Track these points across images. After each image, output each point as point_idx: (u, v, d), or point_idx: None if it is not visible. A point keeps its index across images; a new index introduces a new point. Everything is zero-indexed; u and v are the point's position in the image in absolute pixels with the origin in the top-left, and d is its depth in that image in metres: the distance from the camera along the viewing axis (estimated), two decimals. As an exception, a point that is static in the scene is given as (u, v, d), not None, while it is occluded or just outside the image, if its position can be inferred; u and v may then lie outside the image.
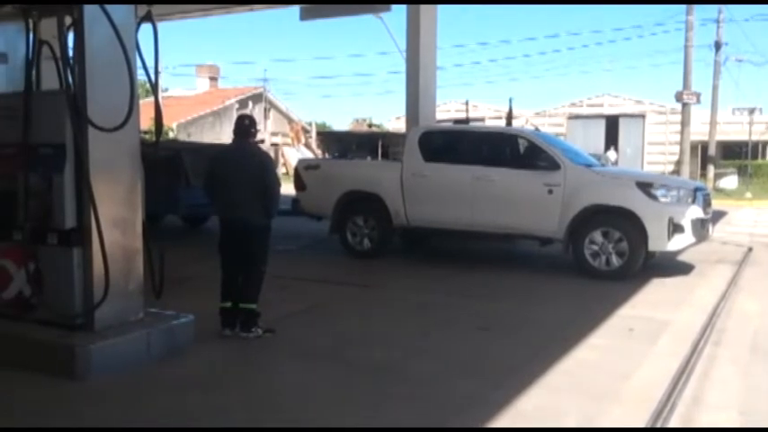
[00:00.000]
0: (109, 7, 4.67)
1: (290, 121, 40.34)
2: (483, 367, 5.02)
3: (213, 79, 43.21)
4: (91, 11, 4.67)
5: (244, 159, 5.67)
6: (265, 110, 39.78)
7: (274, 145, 33.84)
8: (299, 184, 10.16)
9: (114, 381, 4.52)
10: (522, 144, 9.19)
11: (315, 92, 61.69)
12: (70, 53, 4.94)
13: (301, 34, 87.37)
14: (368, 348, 5.43)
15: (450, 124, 11.86)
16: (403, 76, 12.02)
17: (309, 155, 29.41)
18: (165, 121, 11.70)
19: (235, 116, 34.48)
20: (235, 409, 4.17)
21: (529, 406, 4.25)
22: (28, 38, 5.03)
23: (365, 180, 9.73)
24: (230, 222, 5.68)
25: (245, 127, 5.79)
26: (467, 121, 11.54)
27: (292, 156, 29.79)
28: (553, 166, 8.54)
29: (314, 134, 36.64)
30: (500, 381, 4.69)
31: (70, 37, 5.01)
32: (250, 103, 39.90)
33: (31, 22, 5.02)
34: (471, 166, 8.95)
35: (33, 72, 5.13)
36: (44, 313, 4.90)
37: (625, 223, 8.17)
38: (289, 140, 35.37)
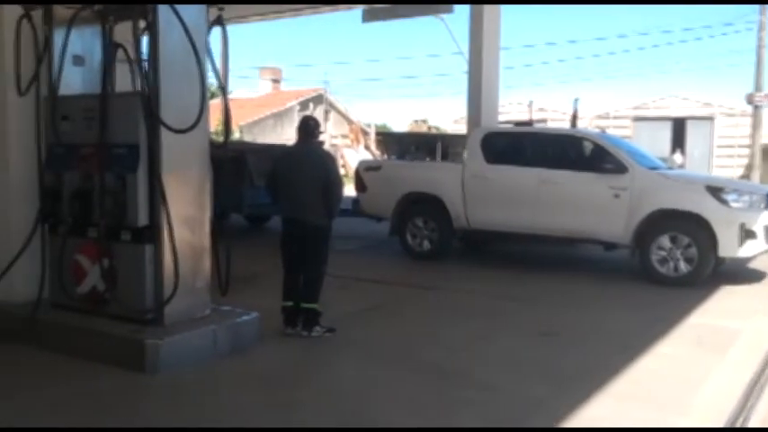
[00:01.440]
0: (181, 11, 4.79)
1: (350, 122, 40.62)
2: (548, 373, 4.94)
3: (276, 81, 43.88)
4: (165, 15, 4.81)
5: (307, 160, 5.73)
6: (325, 111, 40.17)
7: (334, 146, 34.13)
8: (360, 185, 10.21)
9: (183, 375, 4.64)
10: (588, 146, 9.00)
11: (375, 93, 61.98)
12: (144, 56, 5.11)
13: (360, 36, 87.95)
14: (431, 351, 5.42)
15: (511, 126, 11.69)
16: (463, 78, 11.95)
17: (368, 156, 29.54)
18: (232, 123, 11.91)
19: (296, 118, 34.70)
20: (300, 407, 4.22)
21: (596, 414, 4.17)
22: (104, 41, 5.21)
23: (426, 182, 9.70)
24: (293, 222, 5.75)
25: (310, 128, 5.86)
26: (530, 122, 11.36)
27: (351, 157, 29.99)
28: (620, 169, 8.34)
29: (373, 135, 36.80)
30: (566, 387, 4.61)
31: (143, 40, 5.18)
32: (311, 105, 40.35)
33: (107, 26, 5.20)
34: (535, 168, 8.82)
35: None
36: (116, 308, 5.06)
37: (694, 228, 7.92)
38: (348, 142, 35.62)
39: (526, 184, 8.81)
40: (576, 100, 11.73)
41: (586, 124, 25.28)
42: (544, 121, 31.91)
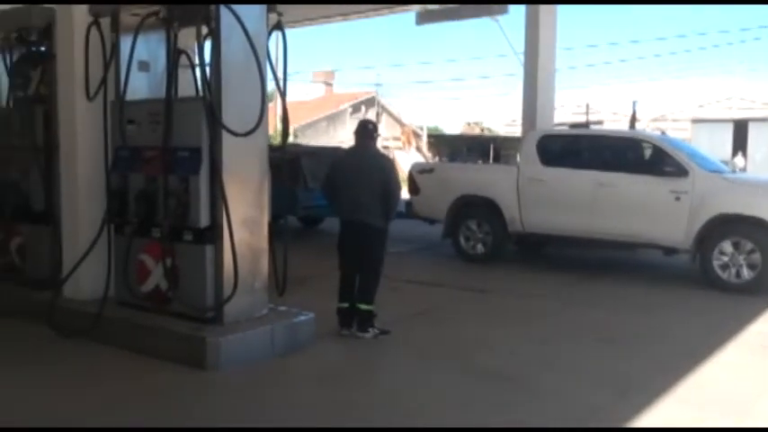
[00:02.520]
0: (243, 17, 4.89)
1: (402, 125, 40.70)
2: (607, 379, 4.86)
3: (328, 84, 44.30)
4: (227, 20, 4.92)
5: (366, 162, 5.78)
6: (377, 114, 40.34)
7: (386, 148, 34.23)
8: (413, 187, 10.23)
9: (242, 373, 4.74)
10: (648, 149, 8.81)
11: (426, 96, 61.91)
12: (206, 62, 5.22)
13: (412, 39, 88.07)
14: (485, 354, 5.39)
15: (567, 128, 11.54)
16: (516, 79, 11.85)
17: (420, 158, 29.54)
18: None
19: (348, 120, 34.94)
20: (357, 407, 4.26)
21: (658, 420, 4.09)
22: (169, 47, 5.35)
23: (480, 184, 9.65)
24: (350, 224, 5.80)
25: (369, 131, 5.90)
26: (586, 124, 11.18)
27: (403, 159, 30.05)
28: (680, 172, 8.15)
29: (425, 138, 36.78)
30: (626, 393, 4.53)
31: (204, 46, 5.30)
32: (363, 108, 40.59)
33: (171, 32, 5.34)
34: (592, 171, 8.67)
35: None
36: (178, 306, 5.20)
37: (758, 233, 7.66)
38: (400, 144, 35.69)
39: (583, 186, 8.68)
40: (635, 102, 11.49)
41: (643, 126, 24.71)
42: (600, 122, 31.35)
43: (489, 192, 9.42)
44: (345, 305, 5.78)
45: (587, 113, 16.53)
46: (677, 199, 8.07)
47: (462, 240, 9.64)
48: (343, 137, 33.86)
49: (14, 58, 6.49)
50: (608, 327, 6.29)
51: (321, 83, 44.08)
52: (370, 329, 5.72)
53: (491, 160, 21.37)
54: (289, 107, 5.91)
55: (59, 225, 6.08)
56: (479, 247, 9.54)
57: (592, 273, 9.14)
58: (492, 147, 29.41)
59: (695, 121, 33.05)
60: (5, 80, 6.58)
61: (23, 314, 5.99)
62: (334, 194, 5.94)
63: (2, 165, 6.56)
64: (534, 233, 9.26)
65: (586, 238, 8.82)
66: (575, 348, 5.64)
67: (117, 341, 5.29)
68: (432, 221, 10.35)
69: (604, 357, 5.40)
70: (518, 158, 9.83)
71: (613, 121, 30.43)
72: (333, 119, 40.24)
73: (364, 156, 5.86)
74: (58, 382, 4.60)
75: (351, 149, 6.14)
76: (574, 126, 10.85)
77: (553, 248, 10.46)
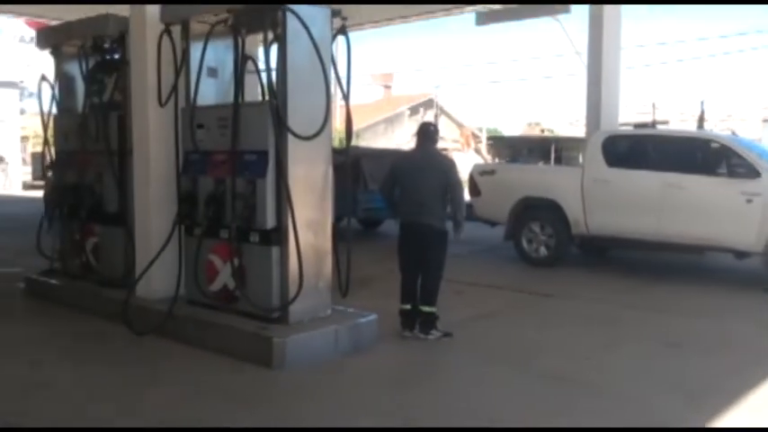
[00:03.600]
0: (308, 22, 4.98)
1: (460, 126, 40.52)
2: (677, 385, 4.74)
3: (387, 87, 44.48)
4: (293, 26, 5.01)
5: (427, 164, 5.80)
6: (436, 116, 40.26)
7: (444, 150, 34.12)
8: (474, 189, 10.16)
9: (307, 373, 4.81)
10: (717, 149, 8.52)
11: (485, 97, 61.34)
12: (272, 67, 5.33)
13: (470, 41, 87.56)
14: (550, 358, 5.33)
15: (632, 128, 11.29)
16: (577, 79, 11.67)
17: (480, 160, 29.35)
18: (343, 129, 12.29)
19: (406, 122, 35.04)
20: (422, 409, 4.26)
21: (730, 426, 3.96)
22: (236, 53, 5.49)
23: (542, 186, 9.53)
24: (412, 226, 5.80)
25: (430, 133, 5.92)
26: (652, 124, 10.91)
27: (462, 161, 29.91)
28: (752, 173, 7.86)
29: (484, 139, 36.52)
30: (696, 399, 4.42)
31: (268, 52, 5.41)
32: (421, 110, 40.59)
33: (239, 38, 5.48)
34: (660, 172, 8.45)
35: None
36: (245, 305, 5.31)
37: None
38: (459, 146, 35.54)
39: (650, 188, 8.47)
40: (703, 102, 11.14)
41: (711, 126, 23.92)
42: (666, 122, 30.51)
43: (552, 193, 9.29)
44: (407, 307, 5.81)
45: (654, 113, 16.12)
46: (749, 201, 7.79)
47: (525, 243, 9.53)
48: (402, 139, 33.96)
49: (90, 65, 6.77)
50: (675, 331, 6.13)
51: (380, 85, 44.28)
52: (433, 331, 5.73)
53: (552, 161, 21.09)
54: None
55: (132, 226, 6.32)
56: (542, 250, 9.42)
57: (657, 276, 8.91)
58: (553, 148, 29.03)
59: (766, 120, 31.77)
60: (82, 87, 6.85)
61: (98, 312, 6.25)
62: (394, 196, 5.94)
63: (79, 168, 6.84)
64: (599, 236, 9.08)
65: (653, 241, 8.59)
66: (641, 353, 5.52)
67: (186, 338, 5.45)
68: (493, 224, 10.27)
69: (671, 362, 5.26)
70: (581, 159, 9.67)
71: (681, 121, 29.57)
72: (391, 121, 40.37)
73: (425, 158, 5.87)
74: (133, 377, 4.78)
75: (412, 151, 6.16)
76: (639, 126, 10.60)
77: (619, 251, 10.23)
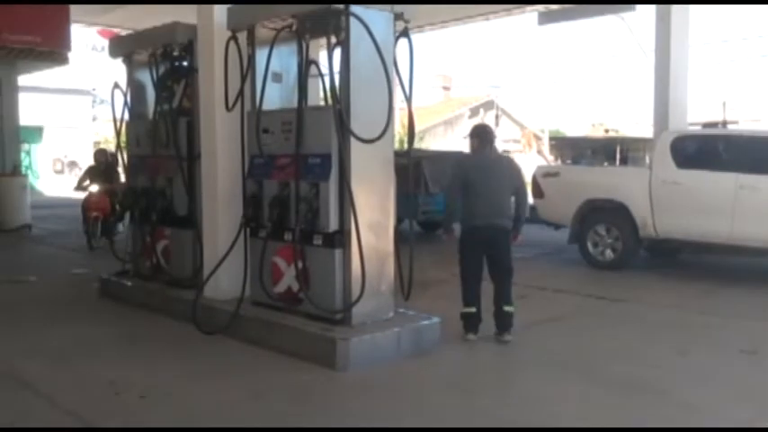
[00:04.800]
0: (371, 25, 5.00)
1: (522, 127, 40.03)
2: (753, 394, 4.56)
3: (446, 89, 44.34)
4: (356, 30, 5.05)
5: (495, 166, 5.77)
6: (496, 117, 39.91)
7: (506, 152, 33.76)
8: (537, 191, 10.01)
9: (370, 374, 4.84)
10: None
11: (547, 98, 60.27)
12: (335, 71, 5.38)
13: (529, 41, 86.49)
14: (619, 364, 5.20)
15: (701, 128, 10.92)
16: (643, 78, 11.37)
17: (542, 162, 28.95)
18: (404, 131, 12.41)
19: (465, 124, 34.76)
20: (487, 413, 4.22)
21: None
22: (300, 58, 5.57)
23: (608, 187, 9.32)
24: (487, 228, 5.69)
25: (490, 134, 5.89)
26: (723, 123, 10.53)
27: (524, 163, 29.55)
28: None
29: (546, 140, 35.98)
30: (772, 412, 4.23)
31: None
32: (481, 111, 40.27)
33: (303, 43, 5.56)
34: (732, 173, 8.16)
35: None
36: (308, 307, 5.37)
37: None
38: (520, 147, 35.12)
39: (722, 189, 8.18)
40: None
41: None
42: (735, 122, 29.37)
43: (619, 195, 9.08)
44: (473, 310, 5.74)
45: (724, 112, 15.56)
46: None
47: (590, 246, 9.34)
48: (462, 141, 33.77)
49: (160, 72, 6.98)
50: (750, 338, 5.89)
51: (439, 87, 44.18)
52: (511, 330, 5.69)
53: (618, 162, 20.61)
54: (405, 112, 5.93)
55: (200, 229, 6.48)
56: (608, 253, 9.21)
57: (729, 280, 8.59)
58: (618, 148, 28.39)
59: None
60: (152, 94, 7.08)
61: (168, 312, 6.44)
62: (466, 200, 5.79)
63: (150, 173, 7.07)
64: (668, 239, 8.82)
65: (725, 244, 8.29)
66: (715, 360, 5.33)
67: (252, 338, 5.55)
68: (557, 226, 10.10)
69: (748, 371, 5.07)
70: (648, 160, 9.41)
71: (753, 121, 28.42)
72: (450, 123, 40.21)
73: (491, 159, 5.84)
74: (202, 375, 4.90)
75: (475, 153, 6.01)
76: (707, 126, 10.25)
77: (688, 255, 9.91)
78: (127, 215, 7.84)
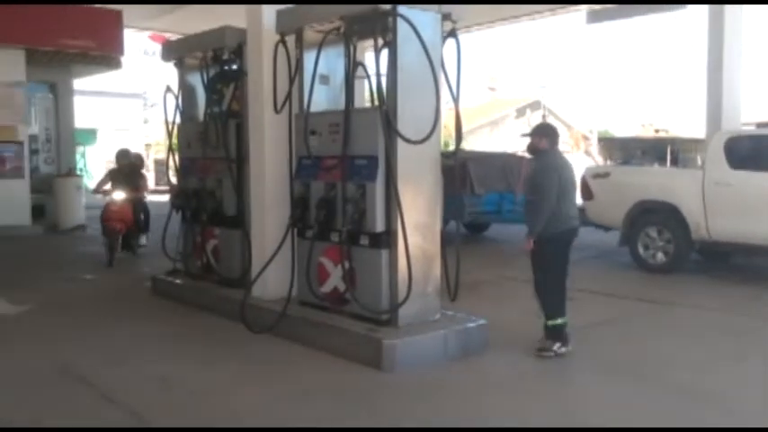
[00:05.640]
0: (419, 26, 5.00)
1: (569, 127, 39.51)
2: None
3: (492, 89, 44.08)
4: (403, 31, 5.06)
5: (570, 167, 5.62)
6: (543, 117, 39.45)
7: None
8: (587, 192, 9.84)
9: (417, 376, 4.82)
10: None
11: (595, 98, 59.16)
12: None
13: (575, 41, 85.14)
14: (673, 370, 5.08)
15: (753, 128, 10.62)
16: (693, 77, 11.11)
17: (591, 162, 28.51)
18: (450, 132, 12.40)
19: (511, 125, 34.55)
20: (534, 417, 4.18)
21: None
22: (347, 60, 5.59)
23: (660, 189, 9.11)
24: (573, 231, 5.57)
25: (557, 133, 5.71)
26: (780, 123, 10.24)
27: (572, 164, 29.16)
28: None
29: (594, 141, 35.43)
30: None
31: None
32: (528, 111, 39.92)
33: (351, 45, 5.58)
34: (790, 174, 7.90)
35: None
36: (355, 307, 5.39)
37: None
38: (568, 148, 34.66)
39: (778, 191, 7.92)
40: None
41: None
42: (793, 121, 28.38)
43: (671, 197, 8.87)
44: (567, 319, 5.49)
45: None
46: None
47: (641, 249, 9.14)
48: (506, 141, 33.47)
49: (210, 76, 7.10)
50: (812, 346, 5.69)
51: (485, 87, 43.95)
52: None
53: (668, 163, 20.15)
54: (451, 113, 5.86)
55: (248, 229, 6.58)
56: (659, 256, 9.00)
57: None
58: (669, 149, 27.77)
59: None
60: (203, 97, 7.21)
61: (218, 310, 6.55)
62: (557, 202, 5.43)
63: (200, 174, 7.21)
64: (721, 241, 8.58)
65: (781, 247, 8.02)
66: (772, 368, 5.16)
67: (298, 338, 5.60)
68: (606, 228, 9.92)
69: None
70: (700, 161, 9.19)
71: (812, 119, 27.44)
72: (495, 123, 39.95)
73: (565, 159, 5.70)
74: (251, 374, 4.98)
75: (550, 153, 5.60)
76: (762, 126, 9.95)
77: (740, 258, 9.62)
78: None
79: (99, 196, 10.50)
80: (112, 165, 10.93)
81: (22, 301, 7.22)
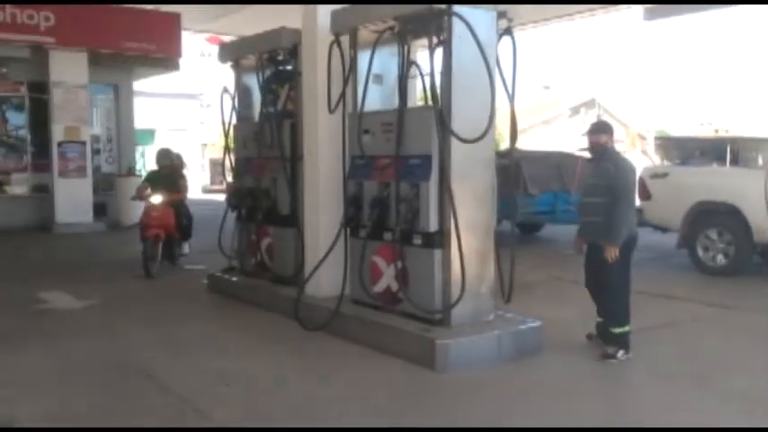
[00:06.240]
0: (474, 25, 4.96)
1: (626, 127, 38.67)
2: None
3: (546, 87, 43.51)
4: (458, 30, 5.04)
5: None
6: (598, 116, 38.72)
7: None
8: (644, 193, 9.62)
9: (470, 376, 4.80)
10: None
11: (651, 96, 57.66)
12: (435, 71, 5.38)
13: (630, 38, 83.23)
14: (733, 376, 4.93)
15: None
16: (754, 75, 10.73)
17: (648, 162, 27.84)
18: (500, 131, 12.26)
19: (564, 124, 34.06)
20: (589, 421, 4.11)
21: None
22: (401, 60, 5.61)
23: (721, 190, 8.84)
24: (635, 239, 5.44)
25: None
26: None
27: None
28: None
29: (651, 140, 34.57)
30: None
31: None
32: (582, 110, 39.25)
33: (405, 45, 5.59)
34: None
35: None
36: (407, 307, 5.40)
37: None
38: (624, 147, 33.91)
39: None
40: None
41: None
42: None
43: (732, 198, 8.60)
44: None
45: None
46: None
47: (700, 251, 8.89)
48: (560, 140, 32.96)
49: (265, 77, 7.21)
50: None
51: (539, 86, 43.44)
52: None
53: (728, 163, 19.45)
54: (503, 112, 5.76)
55: (302, 228, 6.65)
56: (720, 259, 8.74)
57: None
58: (729, 149, 26.84)
59: None
60: (258, 97, 7.33)
61: (272, 308, 6.65)
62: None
63: (255, 174, 7.33)
64: (784, 244, 8.27)
65: None
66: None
67: (351, 336, 5.64)
68: (664, 230, 9.68)
69: None
70: (761, 161, 8.89)
71: None
72: (548, 122, 39.40)
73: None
74: (304, 370, 5.04)
75: (618, 152, 5.55)
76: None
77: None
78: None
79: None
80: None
81: (86, 296, 7.47)
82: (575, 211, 9.54)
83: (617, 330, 5.27)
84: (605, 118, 38.24)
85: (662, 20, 14.23)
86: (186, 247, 9.58)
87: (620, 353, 5.23)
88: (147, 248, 8.55)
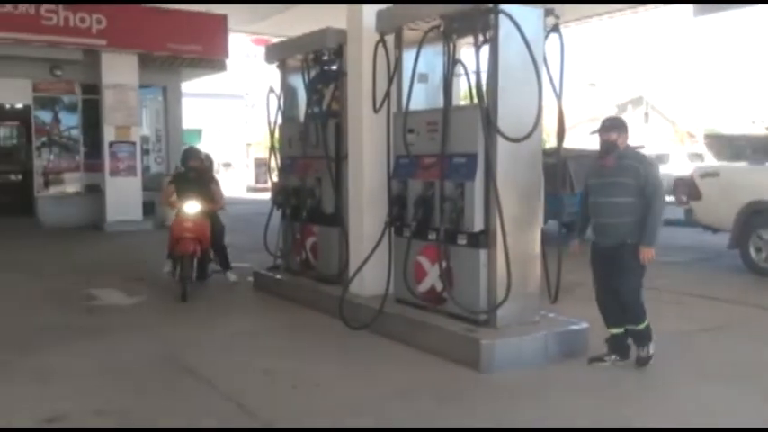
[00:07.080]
0: (521, 23, 4.91)
1: (674, 125, 37.86)
2: None
3: (592, 85, 42.84)
4: (505, 28, 4.99)
5: None
6: (645, 114, 37.99)
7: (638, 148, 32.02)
8: (695, 192, 9.40)
9: (516, 377, 4.76)
10: None
11: (701, 94, 56.12)
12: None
13: (683, 34, 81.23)
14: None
15: None
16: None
17: (699, 162, 27.19)
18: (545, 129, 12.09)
19: (614, 122, 33.27)
20: (636, 421, 4.04)
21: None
22: (446, 58, 5.57)
23: (775, 189, 8.58)
24: None
25: None
26: None
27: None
28: None
29: (701, 138, 33.75)
30: None
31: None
32: (629, 108, 38.54)
33: (450, 44, 5.56)
34: None
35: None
36: (452, 307, 5.37)
37: None
38: (673, 146, 33.19)
39: None
40: None
41: None
42: None
43: (786, 197, 8.33)
44: None
45: None
46: None
47: (752, 252, 8.64)
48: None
49: (311, 77, 7.27)
50: None
51: (586, 83, 42.82)
52: None
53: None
54: (549, 110, 5.62)
55: (347, 227, 6.69)
56: (773, 260, 8.48)
57: None
58: (782, 147, 26.02)
59: None
60: (304, 97, 7.39)
61: (316, 306, 6.70)
62: None
63: (301, 173, 7.39)
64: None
65: None
66: None
67: (395, 335, 5.64)
68: (715, 230, 9.44)
69: None
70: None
71: None
72: (595, 120, 38.81)
73: None
74: (349, 369, 5.06)
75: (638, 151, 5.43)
76: None
77: None
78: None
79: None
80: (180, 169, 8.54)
81: (135, 292, 7.65)
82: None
83: (641, 326, 5.03)
84: (653, 116, 37.52)
85: (712, 15, 13.85)
86: (232, 276, 8.26)
87: (651, 346, 5.04)
88: (181, 268, 7.23)
